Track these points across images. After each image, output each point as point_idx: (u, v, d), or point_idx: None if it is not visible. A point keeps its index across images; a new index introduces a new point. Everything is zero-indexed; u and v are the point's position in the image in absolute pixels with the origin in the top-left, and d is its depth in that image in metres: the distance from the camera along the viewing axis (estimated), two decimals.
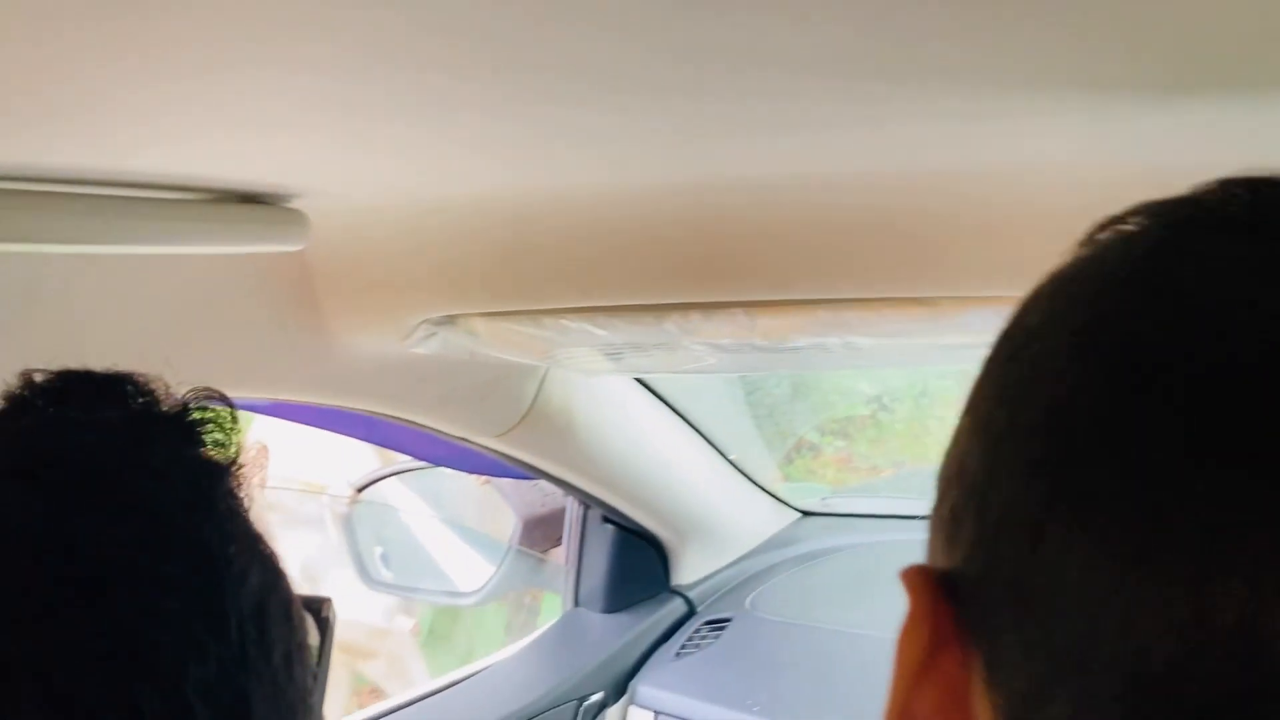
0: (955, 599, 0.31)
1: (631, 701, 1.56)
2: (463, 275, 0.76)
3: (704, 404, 1.63)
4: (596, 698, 1.53)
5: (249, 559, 0.46)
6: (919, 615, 0.32)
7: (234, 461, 0.48)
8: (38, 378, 0.46)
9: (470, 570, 1.77)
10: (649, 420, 1.42)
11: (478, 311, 0.80)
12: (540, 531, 1.73)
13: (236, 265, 0.72)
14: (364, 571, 1.69)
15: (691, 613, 1.71)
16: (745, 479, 1.77)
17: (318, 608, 0.61)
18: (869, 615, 1.55)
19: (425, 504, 1.83)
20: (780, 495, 1.90)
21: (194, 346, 0.73)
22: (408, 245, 0.73)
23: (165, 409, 0.47)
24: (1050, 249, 0.62)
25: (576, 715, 1.50)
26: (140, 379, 0.48)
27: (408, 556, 1.81)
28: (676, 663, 1.57)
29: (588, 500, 1.49)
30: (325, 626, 0.60)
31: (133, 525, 0.43)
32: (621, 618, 1.65)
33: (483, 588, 1.69)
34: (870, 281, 0.67)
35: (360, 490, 1.72)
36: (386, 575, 1.73)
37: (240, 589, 0.44)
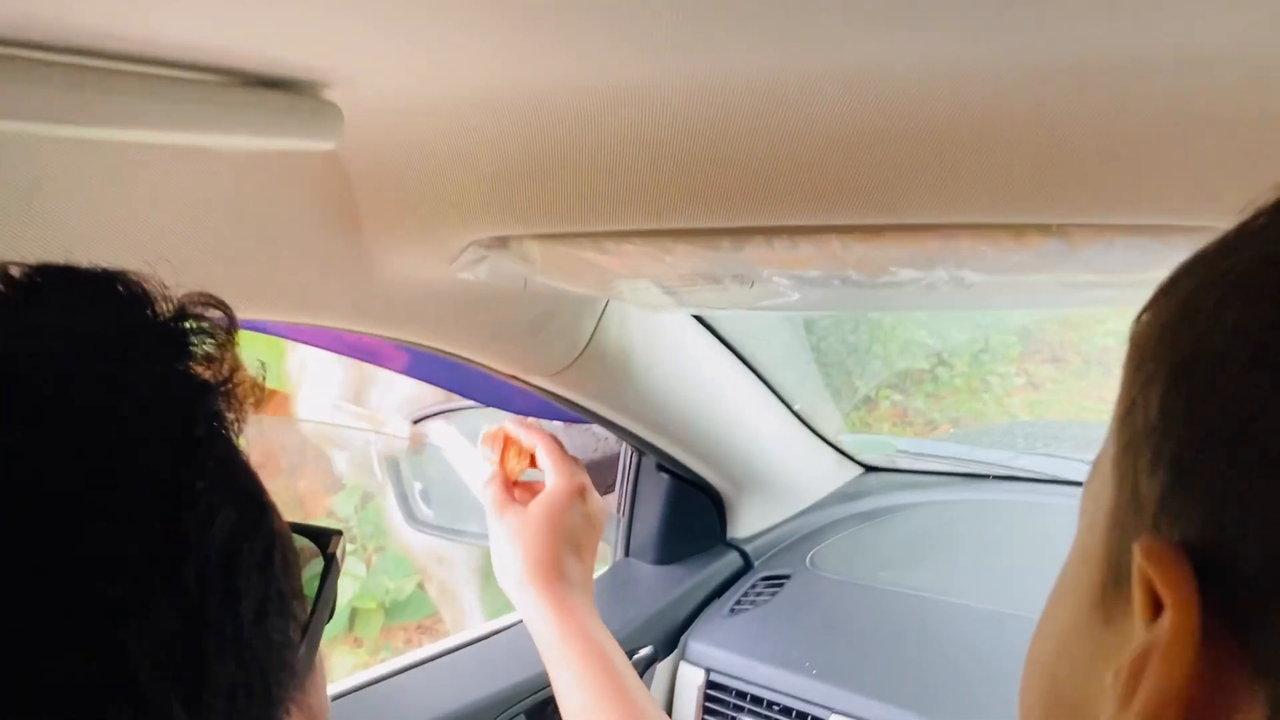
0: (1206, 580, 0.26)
1: (683, 657, 1.49)
2: (518, 190, 0.67)
3: (769, 349, 1.54)
4: (646, 651, 1.46)
5: (221, 495, 0.40)
6: (1182, 620, 0.25)
7: (225, 381, 0.42)
8: (14, 271, 0.40)
9: None
10: (711, 364, 1.33)
11: (533, 233, 0.71)
12: (592, 478, 1.65)
13: (261, 166, 0.64)
14: (407, 511, 1.63)
15: (748, 567, 1.63)
16: (809, 430, 1.68)
17: (325, 542, 0.55)
18: (935, 578, 1.47)
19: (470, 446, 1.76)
20: (844, 448, 1.82)
21: (210, 256, 0.65)
22: (455, 152, 0.64)
23: (151, 315, 0.40)
24: (1224, 170, 0.52)
25: None
26: (132, 279, 0.41)
27: (454, 498, 1.75)
28: (731, 619, 1.50)
29: (642, 447, 1.41)
30: (330, 565, 0.53)
31: (81, 451, 0.35)
32: (674, 570, 1.58)
33: None
34: (991, 203, 0.58)
35: (416, 424, 1.66)
36: (430, 516, 1.67)
37: (205, 531, 0.38)
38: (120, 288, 0.40)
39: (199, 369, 0.41)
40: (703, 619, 1.52)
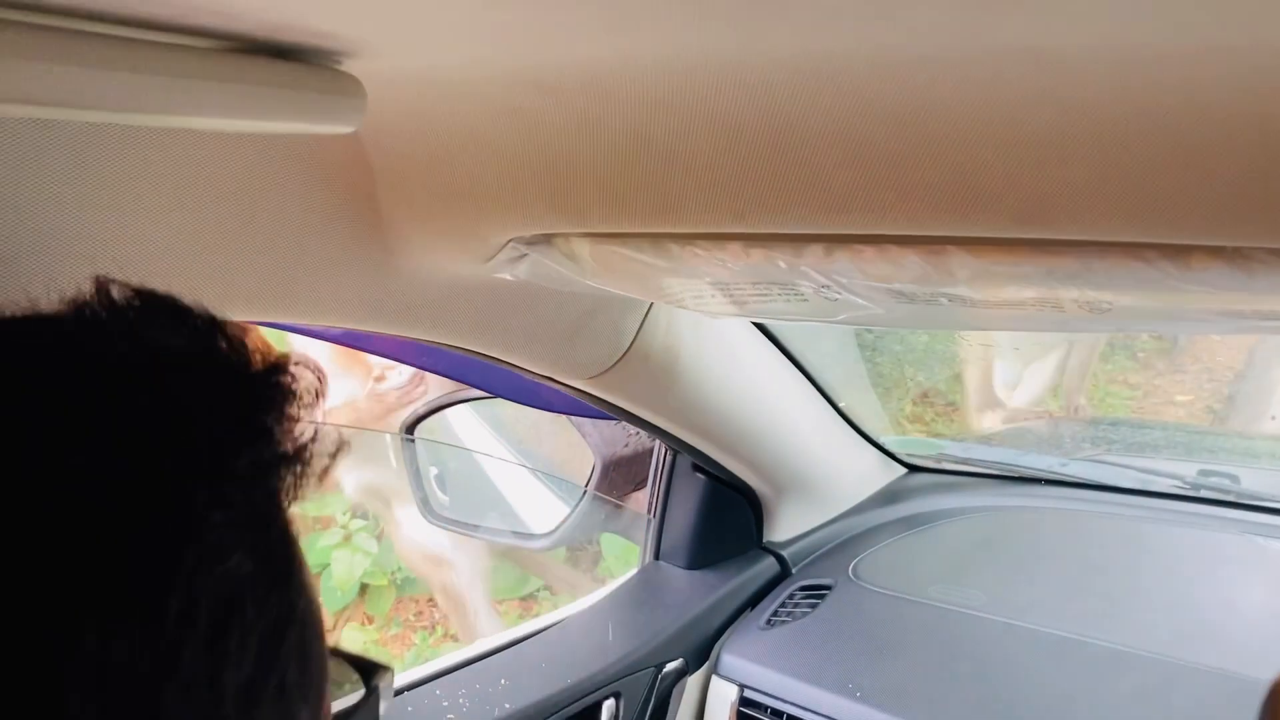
0: None
1: (714, 671, 1.40)
2: (569, 182, 0.57)
3: (819, 346, 1.44)
4: (676, 664, 1.37)
5: (238, 539, 0.35)
6: None
7: (301, 449, 0.38)
8: (115, 293, 0.38)
9: (543, 510, 1.61)
10: (761, 365, 1.23)
11: (583, 231, 0.61)
12: (621, 474, 1.56)
13: (274, 154, 0.54)
14: (425, 505, 1.54)
15: (785, 574, 1.53)
16: (853, 429, 1.58)
17: (369, 672, 0.49)
18: (989, 595, 1.37)
19: (497, 436, 1.67)
20: (887, 448, 1.71)
21: (218, 252, 0.56)
22: (497, 136, 0.53)
23: (250, 364, 0.39)
24: None
25: (654, 684, 1.34)
26: (199, 310, 0.39)
27: (475, 492, 1.66)
28: (768, 632, 1.40)
29: (679, 447, 1.31)
30: (370, 699, 0.45)
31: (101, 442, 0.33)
32: (707, 575, 1.49)
33: (554, 531, 1.54)
34: (1154, 220, 0.47)
35: (422, 419, 1.57)
36: (449, 511, 1.58)
37: (206, 569, 0.33)
38: (197, 320, 0.39)
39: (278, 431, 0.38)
40: (737, 630, 1.43)
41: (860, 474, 1.65)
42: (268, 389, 0.39)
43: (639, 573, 1.50)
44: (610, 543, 2.80)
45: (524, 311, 0.79)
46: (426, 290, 0.69)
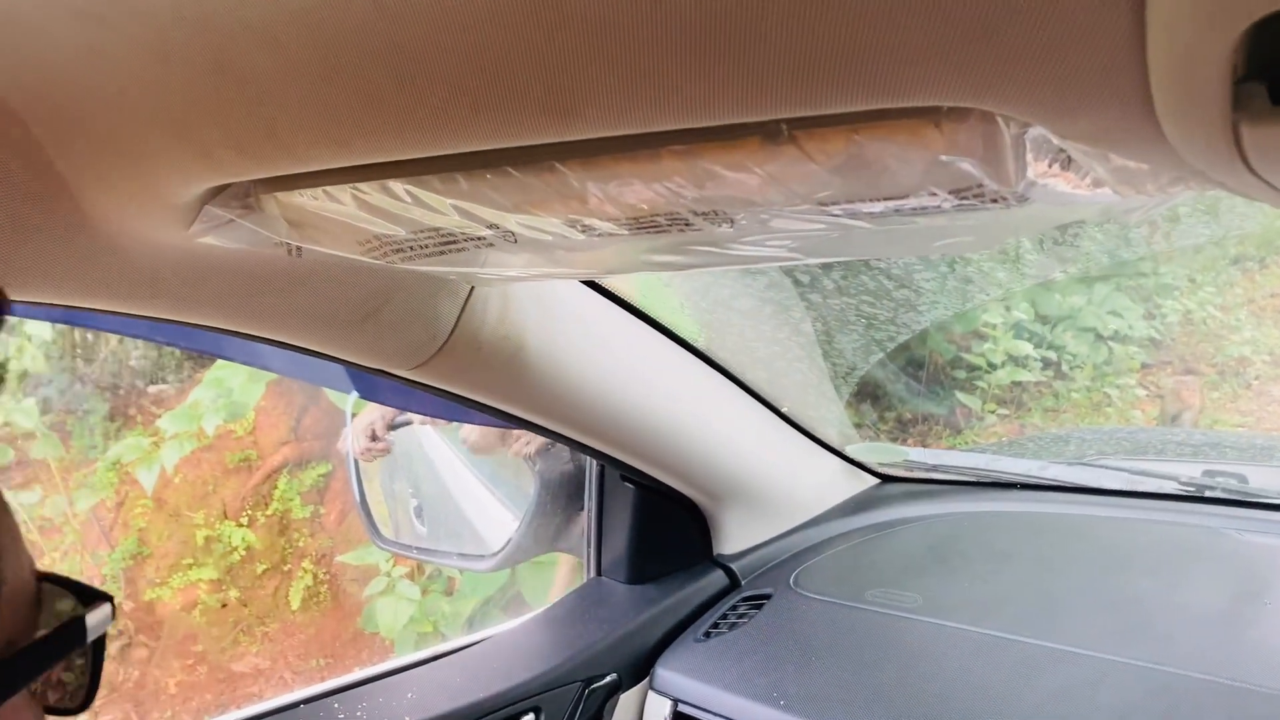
0: None
1: (651, 686, 1.35)
2: (232, 115, 0.55)
3: (755, 348, 1.41)
4: (608, 679, 1.33)
5: None
6: None
7: None
8: None
9: (492, 529, 1.60)
10: (645, 357, 1.20)
11: (259, 177, 0.60)
12: (569, 489, 1.53)
13: None
14: (371, 528, 1.54)
15: (734, 586, 1.48)
16: (804, 436, 1.53)
17: (87, 598, 0.48)
18: (927, 598, 1.30)
19: (452, 452, 1.67)
20: (855, 457, 1.65)
21: None
22: (128, 62, 0.52)
23: None
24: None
25: (581, 698, 1.30)
26: None
27: (427, 512, 1.65)
28: (704, 644, 1.35)
29: (581, 450, 1.28)
30: (77, 633, 0.45)
31: None
32: (648, 590, 1.45)
33: (499, 551, 1.52)
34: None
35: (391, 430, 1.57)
36: (393, 533, 1.58)
37: None
38: None
39: None
40: (675, 644, 1.38)
41: (819, 483, 1.59)
42: None
43: (578, 589, 1.47)
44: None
45: (299, 290, 0.78)
46: (156, 264, 0.68)
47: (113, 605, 0.49)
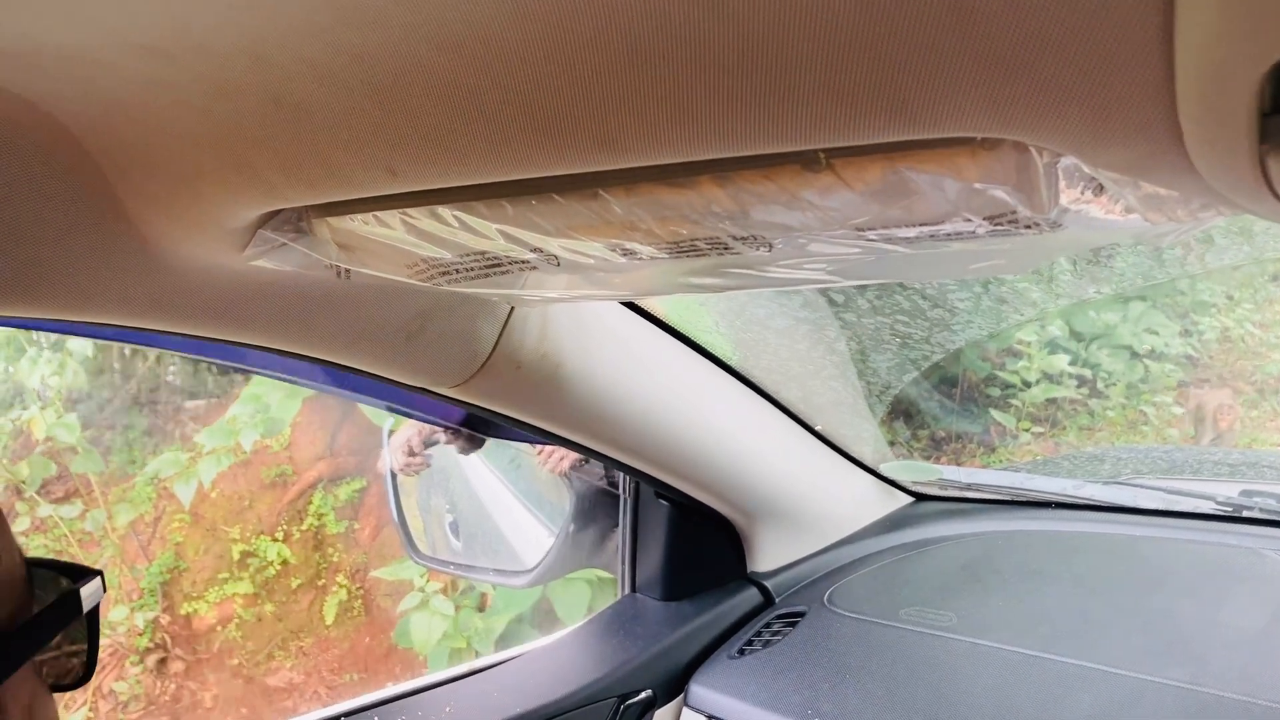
0: None
1: (685, 703, 1.36)
2: (288, 145, 0.57)
3: (761, 360, 1.42)
4: (643, 696, 1.34)
5: None
6: None
7: None
8: None
9: (528, 545, 1.61)
10: (684, 377, 1.21)
11: (311, 203, 0.62)
12: (604, 506, 1.55)
13: None
14: (408, 543, 1.56)
15: (768, 604, 1.49)
16: (838, 454, 1.53)
17: (76, 575, 0.51)
18: (962, 617, 1.30)
19: (488, 469, 1.68)
20: (889, 475, 1.66)
21: None
22: (190, 94, 0.55)
23: None
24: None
25: (616, 713, 1.32)
26: None
27: (463, 528, 1.67)
28: (738, 661, 1.36)
29: (619, 469, 1.30)
30: (73, 605, 0.48)
31: None
32: (683, 606, 1.46)
33: (534, 568, 1.53)
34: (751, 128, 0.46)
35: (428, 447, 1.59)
36: (429, 548, 1.60)
37: None
38: None
39: None
40: (710, 661, 1.39)
41: (853, 501, 1.59)
42: None
43: (613, 605, 1.49)
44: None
45: (346, 311, 0.81)
46: (208, 285, 0.71)
47: (102, 578, 0.53)
